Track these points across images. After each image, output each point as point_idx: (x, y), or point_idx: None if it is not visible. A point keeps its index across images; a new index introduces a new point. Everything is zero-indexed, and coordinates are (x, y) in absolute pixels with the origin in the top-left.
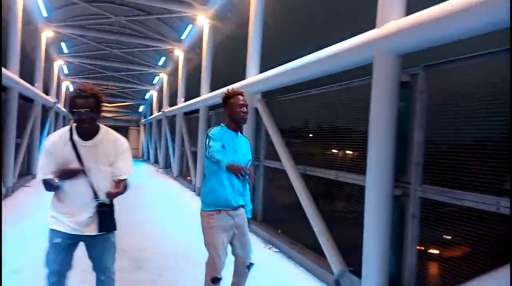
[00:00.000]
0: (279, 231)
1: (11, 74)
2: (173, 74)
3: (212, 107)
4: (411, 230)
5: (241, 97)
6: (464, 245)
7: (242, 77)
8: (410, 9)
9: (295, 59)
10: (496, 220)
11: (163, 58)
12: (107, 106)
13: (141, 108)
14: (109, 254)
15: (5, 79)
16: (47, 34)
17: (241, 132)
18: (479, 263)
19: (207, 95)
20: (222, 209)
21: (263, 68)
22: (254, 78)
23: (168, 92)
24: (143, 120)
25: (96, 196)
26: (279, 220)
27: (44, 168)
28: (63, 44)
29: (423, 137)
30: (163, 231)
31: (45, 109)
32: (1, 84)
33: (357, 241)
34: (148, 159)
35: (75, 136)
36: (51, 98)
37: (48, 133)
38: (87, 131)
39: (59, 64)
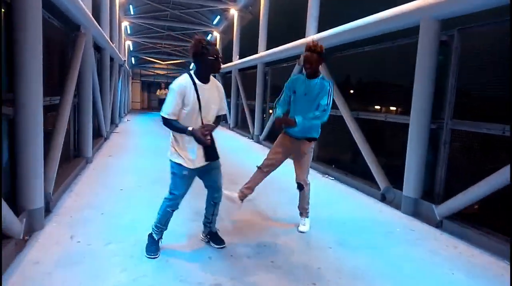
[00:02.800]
0: (333, 166)
1: (106, 37)
2: (226, 33)
3: (268, 64)
4: (443, 153)
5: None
6: (479, 162)
7: (297, 37)
8: None
9: (352, 20)
10: (502, 141)
11: (217, 17)
12: (161, 64)
13: (191, 66)
14: (218, 176)
15: (102, 42)
16: None
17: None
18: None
19: (264, 53)
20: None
21: (320, 28)
22: (314, 37)
23: (221, 50)
24: None
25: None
26: (332, 157)
27: (172, 107)
28: (130, 6)
29: (455, 83)
30: (239, 160)
31: (118, 67)
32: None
33: (398, 168)
34: None
35: (197, 81)
36: (122, 57)
37: (121, 88)
38: (209, 75)
39: (124, 25)
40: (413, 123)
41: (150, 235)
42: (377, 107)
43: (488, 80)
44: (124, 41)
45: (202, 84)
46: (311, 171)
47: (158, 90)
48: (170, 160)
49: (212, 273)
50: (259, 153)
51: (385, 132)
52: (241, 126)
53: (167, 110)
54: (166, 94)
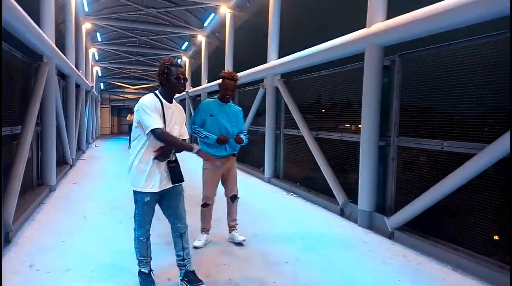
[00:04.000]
0: (298, 184)
1: (71, 64)
2: (194, 58)
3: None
4: (391, 168)
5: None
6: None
7: (260, 62)
8: (390, 13)
9: (305, 47)
10: (441, 154)
11: (186, 43)
12: (131, 88)
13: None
14: (181, 203)
15: (67, 70)
16: (86, 26)
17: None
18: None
19: None
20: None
21: (280, 53)
22: (274, 62)
23: (190, 74)
24: None
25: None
26: (297, 175)
27: (157, 119)
28: (98, 34)
29: (399, 104)
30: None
31: (85, 93)
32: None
33: (355, 183)
34: None
35: (162, 99)
36: (89, 83)
37: (88, 114)
38: (172, 95)
39: (92, 51)
40: (363, 141)
41: (140, 272)
42: (336, 127)
43: (428, 100)
44: (92, 67)
45: (167, 103)
46: (276, 189)
47: (129, 115)
48: (132, 188)
49: None
50: None
51: (342, 151)
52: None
53: (153, 122)
54: None
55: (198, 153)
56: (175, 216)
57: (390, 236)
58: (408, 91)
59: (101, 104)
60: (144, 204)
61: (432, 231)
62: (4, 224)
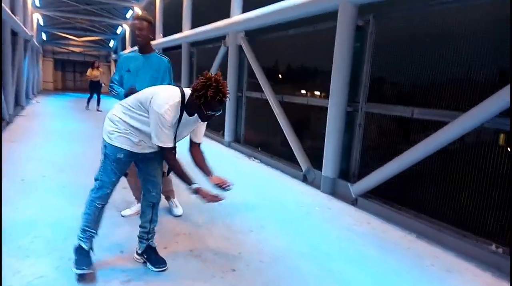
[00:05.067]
0: (259, 148)
1: (5, 7)
2: (148, 9)
3: (193, 44)
4: (358, 135)
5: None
6: (391, 143)
7: (223, 17)
8: None
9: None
10: (411, 122)
11: None
12: (77, 41)
13: (111, 43)
14: (159, 166)
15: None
16: None
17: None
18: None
19: (189, 32)
20: None
21: (245, 8)
22: (238, 18)
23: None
24: (114, 56)
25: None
26: (258, 140)
27: (170, 136)
28: None
29: (370, 68)
30: None
31: (24, 43)
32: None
33: (320, 150)
34: None
35: (185, 114)
36: (29, 32)
37: (28, 66)
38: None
39: None
40: (331, 106)
41: (78, 247)
42: (303, 91)
43: (400, 66)
44: (32, 13)
45: (187, 116)
46: (237, 154)
47: (90, 69)
48: (105, 141)
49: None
50: None
51: (308, 116)
52: None
53: (167, 139)
54: (100, 75)
55: (198, 192)
56: (151, 183)
57: (353, 202)
58: (380, 55)
59: (43, 56)
60: (114, 161)
61: (396, 199)
62: None
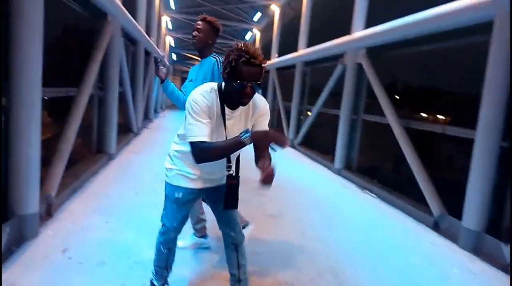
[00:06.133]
0: (375, 180)
1: (141, 29)
2: (266, 31)
3: (307, 63)
4: None
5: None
6: None
7: (342, 33)
8: None
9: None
10: None
11: (258, 14)
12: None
13: None
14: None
15: (135, 33)
16: None
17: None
18: None
19: (304, 51)
20: None
21: (368, 24)
22: (359, 34)
23: (260, 48)
24: None
25: (229, 162)
26: (374, 170)
27: (202, 129)
28: (171, 1)
29: None
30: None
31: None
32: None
33: (456, 190)
34: None
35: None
36: (161, 52)
37: (158, 84)
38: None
39: (165, 19)
40: (479, 140)
41: (151, 283)
42: (435, 116)
43: None
44: (164, 36)
45: (230, 110)
46: (347, 183)
47: None
48: (165, 180)
49: None
50: (292, 158)
51: (443, 147)
52: (276, 128)
53: (197, 131)
54: None
55: (255, 138)
56: (226, 221)
57: (507, 269)
58: None
59: (173, 75)
60: (174, 202)
61: None
62: (46, 195)
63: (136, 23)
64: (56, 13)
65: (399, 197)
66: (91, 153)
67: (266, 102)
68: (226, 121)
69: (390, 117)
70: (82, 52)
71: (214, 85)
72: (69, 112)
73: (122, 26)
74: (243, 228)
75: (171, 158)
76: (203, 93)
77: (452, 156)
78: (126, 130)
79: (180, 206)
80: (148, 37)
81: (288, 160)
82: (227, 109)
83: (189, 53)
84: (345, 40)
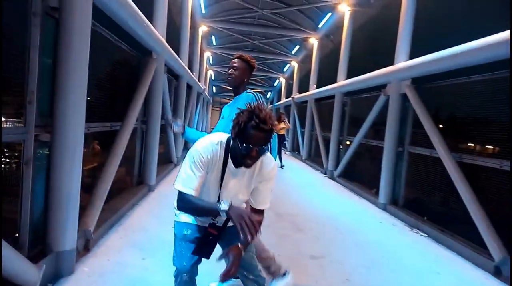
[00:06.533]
0: (425, 217)
1: (183, 64)
2: (304, 62)
3: (346, 94)
4: None
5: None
6: None
7: (381, 66)
8: None
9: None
10: None
11: (296, 47)
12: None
13: (268, 95)
14: (250, 246)
15: (178, 68)
16: (202, 29)
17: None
18: None
19: (344, 82)
20: None
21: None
22: (404, 64)
23: (298, 79)
24: (270, 106)
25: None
26: (424, 207)
27: (193, 181)
28: (213, 37)
29: None
30: (307, 200)
31: (197, 95)
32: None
33: None
34: None
35: (229, 162)
36: (202, 85)
37: (199, 115)
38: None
39: (207, 55)
40: None
41: None
42: (491, 150)
43: None
44: (206, 70)
45: (234, 168)
46: (394, 220)
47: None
48: (174, 220)
49: None
50: (332, 191)
51: (501, 185)
52: (314, 159)
53: (186, 181)
54: (284, 129)
55: (231, 212)
56: (244, 265)
57: None
58: None
59: (213, 106)
60: (181, 239)
61: None
62: (85, 230)
63: (179, 59)
64: (105, 52)
65: (452, 236)
66: (132, 185)
67: (275, 165)
68: (225, 177)
69: (441, 151)
70: (128, 87)
71: (224, 137)
72: (112, 146)
73: (166, 62)
74: (283, 275)
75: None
76: (209, 145)
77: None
78: (167, 161)
79: (188, 244)
80: (190, 72)
81: (327, 193)
82: (230, 165)
83: (227, 86)
84: (388, 70)
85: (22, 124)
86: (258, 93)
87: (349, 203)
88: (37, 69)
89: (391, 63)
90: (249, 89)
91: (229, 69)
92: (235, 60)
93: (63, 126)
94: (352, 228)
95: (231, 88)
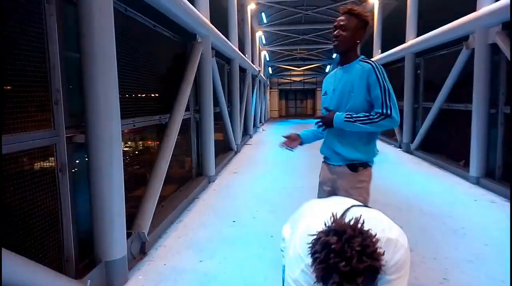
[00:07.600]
0: None
1: (234, 47)
2: None
3: (418, 55)
4: None
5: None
6: None
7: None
8: None
9: None
10: None
11: None
12: (297, 71)
13: (327, 69)
14: None
15: (229, 51)
16: (251, 6)
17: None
18: None
19: (415, 41)
20: None
21: None
22: (491, 7)
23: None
24: None
25: None
26: None
27: None
28: (263, 14)
29: None
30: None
31: (252, 78)
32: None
33: None
34: None
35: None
36: (256, 67)
37: (256, 98)
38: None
39: (258, 35)
40: None
41: None
42: None
43: None
44: (260, 51)
45: None
46: (491, 196)
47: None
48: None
49: None
50: (410, 166)
51: None
52: (386, 132)
53: None
54: None
55: None
56: None
57: None
58: None
59: (270, 88)
60: None
61: None
62: (138, 233)
63: (228, 41)
64: (143, 39)
65: None
66: (191, 178)
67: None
68: None
69: None
70: (175, 75)
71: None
72: (161, 141)
73: (213, 45)
74: None
75: None
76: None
77: None
78: (226, 149)
79: None
80: (242, 54)
81: (405, 170)
82: None
83: (284, 65)
84: (471, 17)
85: (51, 128)
86: (377, 64)
87: (433, 180)
88: (59, 64)
89: (473, 10)
90: (363, 57)
91: (334, 30)
92: (342, 17)
93: (96, 125)
94: (443, 211)
95: (339, 56)
